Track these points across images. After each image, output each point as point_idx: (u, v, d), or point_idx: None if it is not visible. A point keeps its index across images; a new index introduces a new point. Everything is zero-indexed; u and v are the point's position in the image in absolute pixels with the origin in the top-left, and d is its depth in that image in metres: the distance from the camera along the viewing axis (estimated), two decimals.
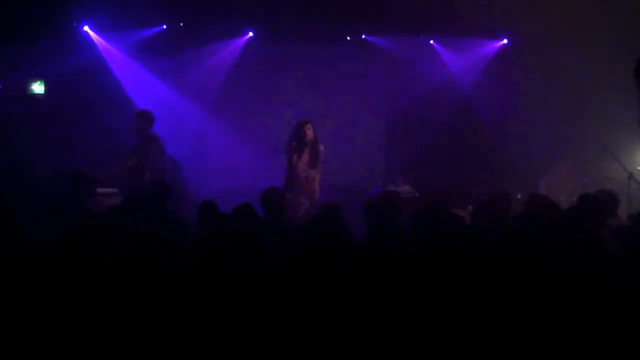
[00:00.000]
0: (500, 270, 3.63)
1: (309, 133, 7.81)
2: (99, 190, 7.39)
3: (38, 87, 9.25)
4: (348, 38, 10.49)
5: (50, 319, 3.25)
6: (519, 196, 8.29)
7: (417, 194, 8.74)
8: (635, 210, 6.52)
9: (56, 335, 3.18)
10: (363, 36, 10.54)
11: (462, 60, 10.56)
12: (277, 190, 5.76)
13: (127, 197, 5.62)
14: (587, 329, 3.28)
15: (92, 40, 9.42)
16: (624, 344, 3.24)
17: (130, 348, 3.19)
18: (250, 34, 10.26)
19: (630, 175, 8.40)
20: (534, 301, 3.37)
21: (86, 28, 9.38)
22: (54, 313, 3.28)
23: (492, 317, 3.29)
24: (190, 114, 10.12)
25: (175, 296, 3.44)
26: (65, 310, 3.29)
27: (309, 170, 7.82)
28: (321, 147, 7.91)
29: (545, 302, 3.36)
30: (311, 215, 6.74)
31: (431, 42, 10.66)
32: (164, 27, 9.74)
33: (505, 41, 10.75)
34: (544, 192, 8.19)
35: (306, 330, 3.23)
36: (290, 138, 7.90)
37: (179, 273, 3.66)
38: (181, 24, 9.74)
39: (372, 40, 10.56)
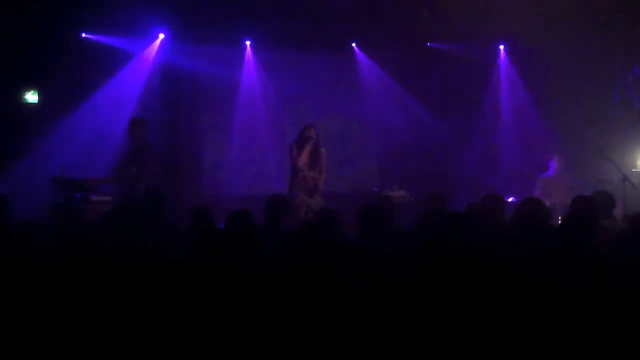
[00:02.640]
0: (494, 274, 3.63)
1: (312, 134, 8.13)
2: (94, 198, 7.39)
3: (32, 96, 9.22)
4: (341, 46, 10.54)
5: (43, 323, 3.26)
6: (510, 199, 8.30)
7: (412, 198, 8.75)
8: (630, 212, 6.51)
9: (47, 338, 3.19)
10: (353, 44, 10.59)
11: (457, 65, 10.56)
12: (279, 196, 5.79)
13: (119, 205, 5.61)
14: (581, 331, 3.28)
15: (98, 41, 9.41)
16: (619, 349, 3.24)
17: (120, 353, 3.19)
18: (248, 42, 10.28)
19: (625, 177, 8.40)
20: (528, 307, 3.37)
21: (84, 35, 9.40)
22: (47, 316, 3.29)
23: (487, 321, 3.29)
24: (184, 121, 10.16)
25: (168, 301, 3.44)
26: (59, 314, 3.31)
27: (308, 170, 8.08)
28: (323, 150, 8.21)
29: (540, 309, 3.36)
30: (313, 213, 6.94)
31: (428, 44, 10.69)
32: (160, 35, 9.76)
33: (501, 47, 10.79)
34: (538, 194, 8.19)
35: (298, 335, 3.23)
36: (295, 139, 8.26)
37: (172, 279, 3.66)
38: (175, 32, 9.75)
39: (364, 48, 10.62)
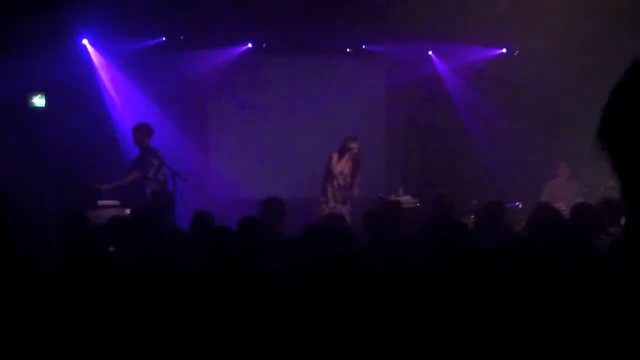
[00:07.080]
0: (502, 277, 3.63)
1: (352, 146, 8.46)
2: (100, 202, 7.40)
3: (39, 101, 9.24)
4: (348, 50, 10.53)
5: (52, 333, 3.26)
6: (519, 205, 8.27)
7: (418, 204, 8.74)
8: None
9: (54, 348, 3.19)
10: (363, 46, 10.57)
11: (461, 69, 10.57)
12: (274, 200, 5.80)
13: (133, 211, 5.63)
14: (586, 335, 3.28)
15: (89, 55, 9.45)
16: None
17: None
18: (249, 45, 10.29)
19: None
20: (537, 312, 3.36)
21: (85, 41, 9.41)
22: (56, 326, 3.29)
23: (493, 324, 3.29)
24: (183, 126, 10.16)
25: (178, 308, 3.44)
26: (65, 324, 3.30)
27: (346, 179, 8.48)
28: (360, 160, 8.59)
29: (549, 313, 3.35)
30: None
31: (430, 53, 10.69)
32: (163, 39, 9.77)
33: (503, 50, 10.78)
34: (544, 200, 8.16)
35: (305, 342, 3.23)
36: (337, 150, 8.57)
37: (181, 286, 3.66)
38: (181, 37, 9.76)
39: (372, 49, 10.58)
